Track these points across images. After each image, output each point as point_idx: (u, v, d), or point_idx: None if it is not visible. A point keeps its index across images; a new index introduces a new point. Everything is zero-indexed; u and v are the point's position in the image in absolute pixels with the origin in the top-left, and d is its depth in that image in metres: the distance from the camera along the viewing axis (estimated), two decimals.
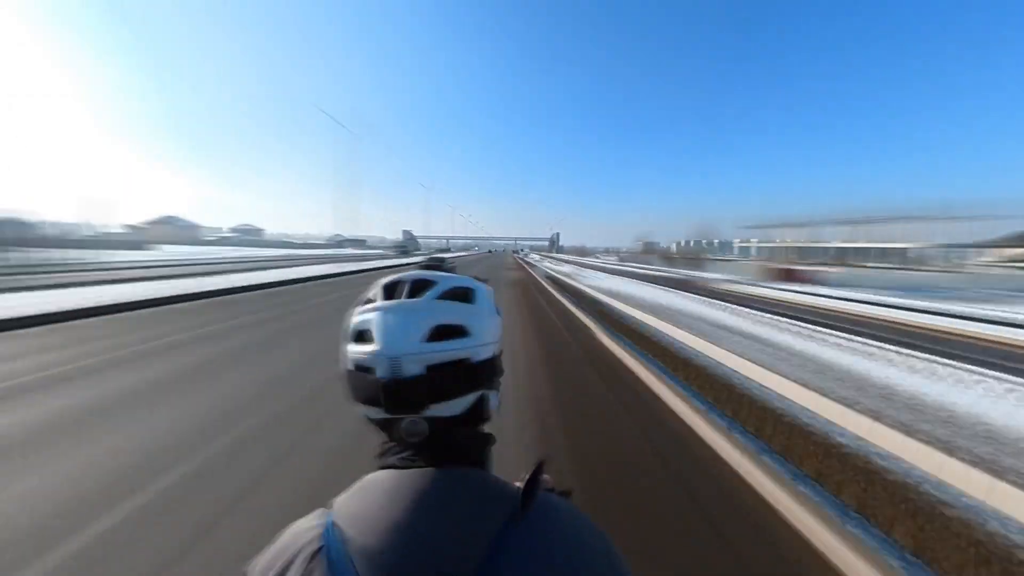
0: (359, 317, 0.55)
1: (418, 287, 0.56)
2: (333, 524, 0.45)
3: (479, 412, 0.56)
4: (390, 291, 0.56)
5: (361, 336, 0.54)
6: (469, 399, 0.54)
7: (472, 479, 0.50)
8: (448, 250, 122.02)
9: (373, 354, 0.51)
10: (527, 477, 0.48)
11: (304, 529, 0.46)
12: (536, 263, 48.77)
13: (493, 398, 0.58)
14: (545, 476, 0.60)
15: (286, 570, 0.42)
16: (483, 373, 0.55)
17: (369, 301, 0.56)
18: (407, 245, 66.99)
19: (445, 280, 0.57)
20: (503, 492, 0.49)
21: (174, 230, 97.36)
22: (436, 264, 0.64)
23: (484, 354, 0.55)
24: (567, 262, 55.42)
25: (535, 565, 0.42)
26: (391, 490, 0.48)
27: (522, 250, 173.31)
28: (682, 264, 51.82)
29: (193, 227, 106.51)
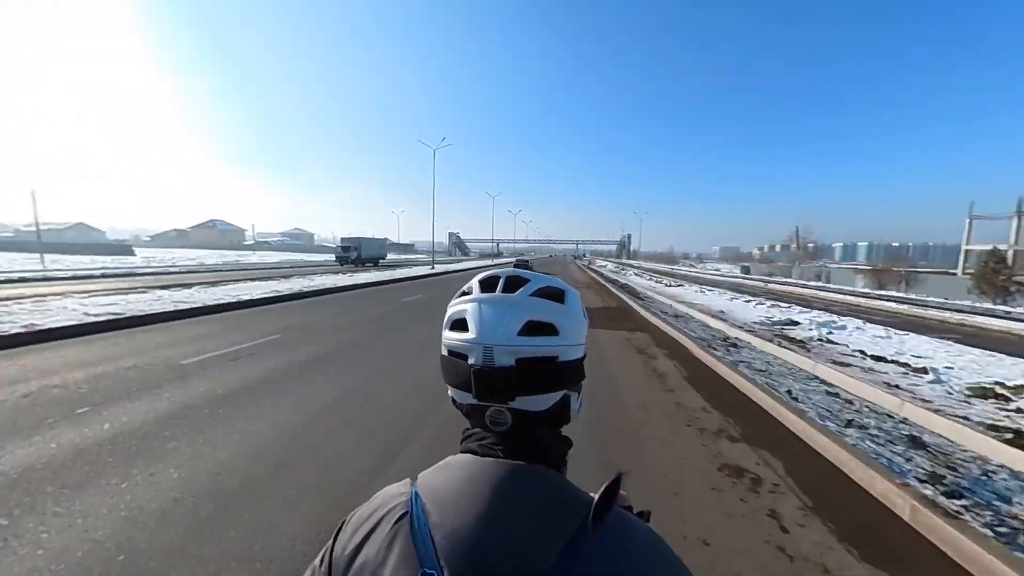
0: (457, 307, 0.57)
1: (513, 283, 0.57)
2: (417, 495, 0.49)
3: (561, 412, 0.56)
4: (487, 285, 0.58)
5: (458, 324, 0.56)
6: (554, 397, 0.54)
7: (547, 479, 0.50)
8: (500, 254, 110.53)
9: (469, 342, 0.53)
10: (603, 489, 0.46)
11: (394, 494, 0.51)
12: (618, 276, 32.68)
13: (575, 400, 0.58)
14: (622, 492, 0.57)
15: (376, 527, 0.48)
16: (569, 373, 0.55)
17: (466, 293, 0.59)
18: (358, 247, 38.20)
19: (538, 279, 0.58)
20: (577, 499, 0.48)
21: (217, 234, 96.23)
22: (523, 264, 0.65)
23: (571, 355, 0.56)
24: (693, 280, 38.41)
25: None
26: (470, 475, 0.49)
27: (584, 255, 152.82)
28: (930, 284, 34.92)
29: (236, 231, 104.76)
